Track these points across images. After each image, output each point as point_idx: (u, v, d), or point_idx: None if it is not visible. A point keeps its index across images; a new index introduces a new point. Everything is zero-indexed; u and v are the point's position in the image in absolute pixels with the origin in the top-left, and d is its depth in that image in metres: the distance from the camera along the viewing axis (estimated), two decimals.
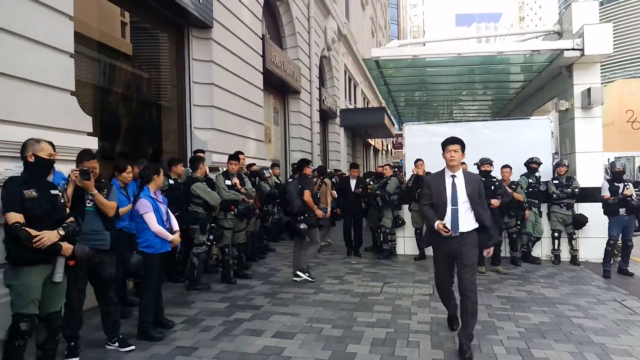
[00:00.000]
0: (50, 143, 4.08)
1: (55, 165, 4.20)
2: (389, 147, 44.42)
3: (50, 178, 3.68)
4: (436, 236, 4.16)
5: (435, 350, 4.15)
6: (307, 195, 6.82)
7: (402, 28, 70.82)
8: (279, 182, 10.29)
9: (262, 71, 11.38)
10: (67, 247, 3.49)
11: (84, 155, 4.11)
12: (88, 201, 3.99)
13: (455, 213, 4.07)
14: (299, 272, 6.86)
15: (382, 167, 10.18)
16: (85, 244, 3.78)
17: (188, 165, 7.56)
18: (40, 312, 3.47)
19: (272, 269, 7.79)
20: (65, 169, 4.93)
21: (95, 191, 3.92)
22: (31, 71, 4.74)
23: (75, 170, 3.92)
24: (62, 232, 3.43)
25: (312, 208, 6.89)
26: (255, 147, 10.83)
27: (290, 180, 8.12)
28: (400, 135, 41.60)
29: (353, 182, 9.26)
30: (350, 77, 24.47)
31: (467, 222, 4.09)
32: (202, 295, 6.05)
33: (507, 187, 7.70)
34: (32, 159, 3.50)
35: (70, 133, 5.24)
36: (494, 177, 7.47)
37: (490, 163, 7.45)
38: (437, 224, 4.06)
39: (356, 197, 9.24)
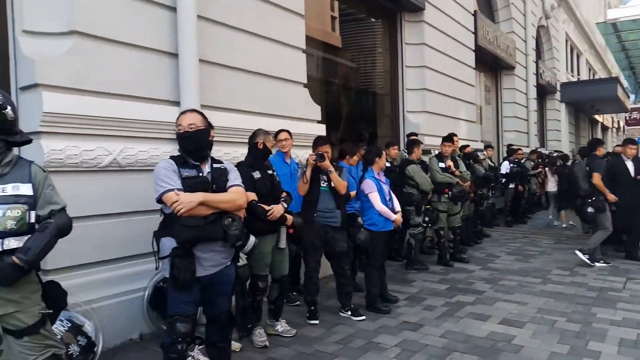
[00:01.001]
0: (287, 131, 4.64)
1: (291, 150, 4.78)
2: (620, 124, 38.13)
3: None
4: None
5: None
6: (596, 178, 6.53)
7: None
8: (493, 164, 9.78)
9: (473, 49, 10.90)
10: (289, 218, 3.90)
11: (319, 141, 4.54)
12: (323, 182, 4.39)
13: None
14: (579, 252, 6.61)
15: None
16: (299, 217, 4.15)
17: (403, 148, 7.75)
18: (273, 275, 4.03)
19: (490, 254, 7.48)
20: (300, 153, 5.57)
21: (332, 169, 4.29)
22: (272, 68, 5.41)
23: (312, 155, 4.35)
24: (285, 206, 3.84)
25: (602, 191, 6.53)
26: (467, 128, 10.47)
27: (577, 161, 7.64)
28: (637, 109, 35.38)
29: (630, 165, 6.90)
30: (572, 46, 21.68)
31: None
32: (420, 275, 6.16)
33: None
34: (261, 146, 3.96)
35: (303, 121, 5.85)
36: None
37: None
38: None
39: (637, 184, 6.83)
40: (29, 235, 2.24)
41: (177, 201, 2.55)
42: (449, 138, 6.96)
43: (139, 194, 4.03)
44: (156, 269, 2.96)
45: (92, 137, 3.74)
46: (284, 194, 3.99)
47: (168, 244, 2.69)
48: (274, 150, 4.32)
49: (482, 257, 7.32)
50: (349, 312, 4.54)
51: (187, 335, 2.73)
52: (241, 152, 4.55)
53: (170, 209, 2.64)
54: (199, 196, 2.62)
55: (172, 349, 2.69)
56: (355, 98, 8.90)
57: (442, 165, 6.79)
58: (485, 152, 9.68)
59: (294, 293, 5.08)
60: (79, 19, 3.68)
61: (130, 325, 3.92)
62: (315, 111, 6.12)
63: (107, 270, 3.84)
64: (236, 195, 2.81)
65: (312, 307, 4.44)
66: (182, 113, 2.90)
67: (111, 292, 3.82)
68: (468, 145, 8.82)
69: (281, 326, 4.10)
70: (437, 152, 7.32)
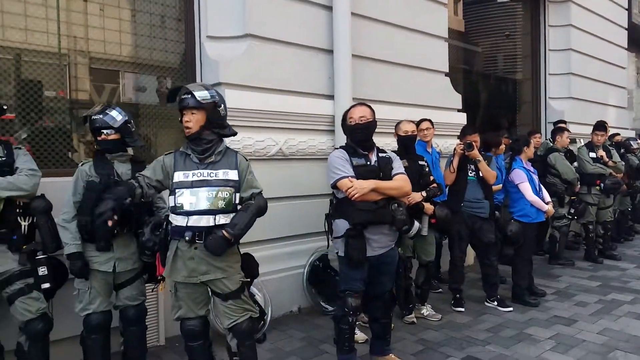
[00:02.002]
0: (429, 120, 4.70)
1: (433, 140, 4.83)
2: None
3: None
4: None
5: None
6: None
7: None
8: None
9: (626, 27, 9.88)
10: (428, 207, 3.94)
11: (467, 129, 4.56)
12: (470, 171, 4.41)
13: None
14: None
15: None
16: (445, 208, 4.17)
17: (548, 137, 7.38)
18: (420, 260, 4.21)
19: None
20: (441, 142, 5.62)
21: (481, 158, 4.30)
22: (416, 58, 5.50)
23: (460, 144, 4.39)
24: (423, 194, 3.88)
25: None
26: (616, 115, 9.58)
27: None
28: None
29: None
30: None
31: None
32: (566, 270, 5.89)
33: None
34: (407, 136, 4.03)
35: (444, 110, 5.86)
36: None
37: None
38: None
39: None
40: (234, 214, 2.64)
41: (351, 187, 2.81)
42: (601, 126, 6.47)
43: (299, 180, 4.44)
44: (327, 247, 3.25)
45: (262, 130, 4.18)
46: (434, 185, 4.09)
47: (342, 225, 2.96)
48: None
49: (635, 254, 6.75)
50: (495, 303, 4.53)
51: (358, 308, 3.00)
52: (385, 142, 4.72)
53: (343, 193, 2.91)
54: (371, 183, 2.86)
55: (344, 320, 2.98)
56: (492, 85, 8.62)
57: (592, 155, 6.36)
58: (638, 141, 8.78)
59: (436, 281, 5.17)
60: (251, 23, 4.12)
61: (291, 299, 4.35)
62: (456, 100, 6.09)
63: (274, 248, 4.29)
64: (403, 182, 3.01)
65: (457, 295, 4.52)
66: (353, 106, 3.15)
67: (276, 268, 4.26)
68: (618, 134, 8.10)
69: (427, 310, 4.25)
70: (583, 141, 6.85)
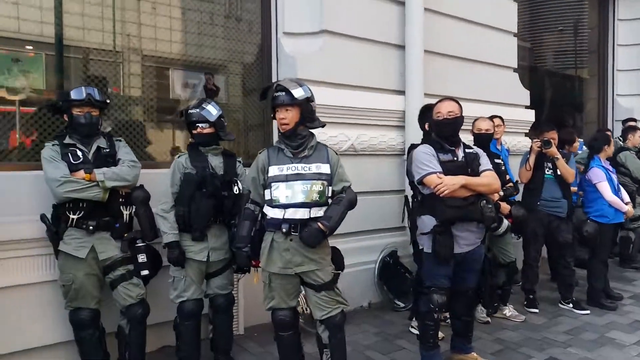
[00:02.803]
0: (500, 117, 4.60)
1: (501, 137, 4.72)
2: None
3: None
4: None
5: None
6: None
7: None
8: None
9: None
10: (504, 206, 3.83)
11: (544, 126, 4.46)
12: (547, 169, 4.30)
13: None
14: None
15: None
16: (522, 207, 4.07)
17: (617, 135, 7.09)
18: (500, 261, 4.08)
19: None
20: (509, 139, 5.50)
21: (559, 156, 4.18)
22: (485, 53, 5.40)
23: (537, 141, 4.28)
24: (500, 193, 3.74)
25: None
26: None
27: None
28: None
29: None
30: None
31: None
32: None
33: None
34: (482, 133, 3.92)
35: (512, 107, 5.73)
36: None
37: None
38: None
39: None
40: (326, 206, 2.68)
41: (441, 183, 2.78)
42: None
43: (369, 176, 4.44)
44: (410, 243, 3.24)
45: (336, 125, 4.20)
46: (510, 184, 4.01)
47: (428, 221, 2.94)
48: None
49: None
50: (571, 305, 4.40)
51: (443, 305, 2.98)
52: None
53: (429, 190, 2.90)
54: (461, 179, 2.83)
55: (429, 316, 2.97)
56: (555, 82, 8.36)
57: None
58: None
59: None
60: (327, 19, 4.16)
61: (362, 294, 4.38)
62: (524, 96, 5.96)
63: (345, 243, 4.27)
64: (492, 179, 2.96)
65: (531, 296, 4.42)
66: (440, 101, 3.10)
67: (348, 263, 4.25)
68: None
69: (509, 311, 4.17)
70: None
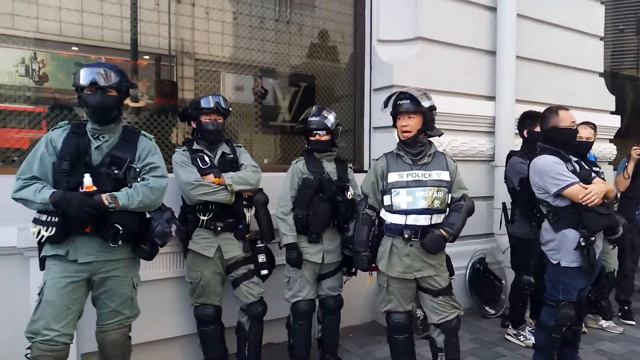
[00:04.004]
0: (593, 124, 4.48)
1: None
2: None
3: None
4: None
5: None
6: None
7: None
8: None
9: None
10: None
11: None
12: None
13: None
14: None
15: None
16: (621, 216, 3.95)
17: None
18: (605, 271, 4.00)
19: None
20: (594, 146, 5.35)
21: None
22: (571, 58, 5.29)
23: (637, 148, 4.18)
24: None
25: None
26: None
27: None
28: None
29: None
30: None
31: None
32: None
33: None
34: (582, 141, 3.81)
35: (597, 112, 5.56)
36: None
37: None
38: None
39: None
40: (443, 214, 2.72)
41: (590, 192, 2.71)
42: None
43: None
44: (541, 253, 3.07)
45: None
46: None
47: (571, 235, 2.80)
48: None
49: None
50: None
51: (573, 319, 2.90)
52: None
53: (565, 201, 2.80)
54: (603, 187, 2.78)
55: (557, 330, 2.90)
56: (634, 86, 8.06)
57: None
58: None
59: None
60: (422, 26, 4.21)
61: None
62: (610, 101, 5.79)
63: None
64: (611, 186, 2.93)
65: (627, 307, 4.31)
66: (558, 109, 2.98)
67: None
68: None
69: (605, 321, 4.08)
70: None
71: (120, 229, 2.21)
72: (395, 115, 2.80)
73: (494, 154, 4.68)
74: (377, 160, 2.88)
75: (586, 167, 2.97)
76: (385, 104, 2.87)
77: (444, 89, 4.35)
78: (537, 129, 3.78)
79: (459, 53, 4.46)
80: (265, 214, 3.06)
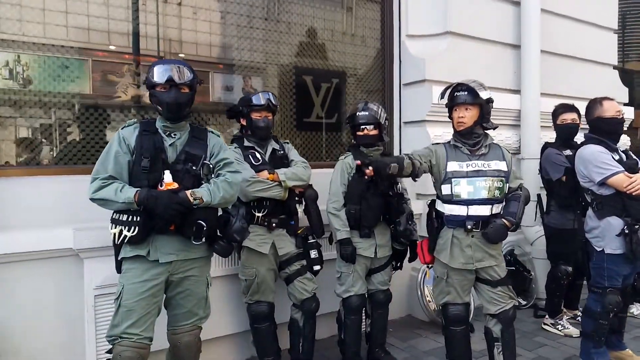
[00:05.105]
0: None
1: None
2: None
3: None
4: None
5: None
6: None
7: None
8: None
9: None
10: None
11: None
12: None
13: None
14: None
15: None
16: None
17: None
18: None
19: None
20: None
21: None
22: (589, 51, 5.36)
23: None
24: None
25: None
26: None
27: None
28: None
29: None
30: None
31: None
32: None
33: None
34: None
35: None
36: None
37: None
38: None
39: None
40: (502, 203, 2.75)
41: (635, 181, 2.77)
42: None
43: None
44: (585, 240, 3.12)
45: None
46: None
47: (616, 223, 2.88)
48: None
49: None
50: None
51: (619, 305, 2.97)
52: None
53: (610, 190, 2.87)
54: None
55: (604, 316, 2.96)
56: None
57: None
58: None
59: None
60: (452, 21, 4.23)
61: None
62: (624, 93, 5.88)
63: None
64: None
65: None
66: (603, 100, 3.07)
67: None
68: None
69: (637, 309, 4.15)
70: None
71: (205, 225, 2.19)
72: (452, 107, 2.81)
73: (519, 146, 4.72)
74: (435, 144, 2.89)
75: (634, 157, 3.03)
76: (442, 95, 2.88)
77: None
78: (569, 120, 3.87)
79: (485, 47, 4.49)
80: (316, 210, 3.05)
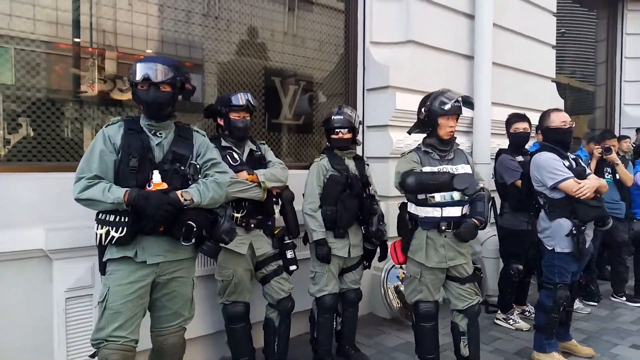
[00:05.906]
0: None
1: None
2: None
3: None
4: None
5: None
6: None
7: None
8: None
9: None
10: None
11: (606, 134, 4.87)
12: (607, 174, 4.69)
13: None
14: None
15: None
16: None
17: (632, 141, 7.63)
18: None
19: None
20: None
21: (619, 162, 4.57)
22: (530, 64, 5.77)
23: (598, 147, 4.67)
24: None
25: None
26: None
27: None
28: None
29: None
30: None
31: None
32: None
33: None
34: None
35: None
36: None
37: None
38: None
39: None
40: (468, 204, 2.93)
41: (582, 187, 3.05)
42: None
43: None
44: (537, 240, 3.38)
45: None
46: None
47: (565, 224, 3.15)
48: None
49: None
50: (624, 298, 4.82)
51: (568, 300, 3.26)
52: (497, 143, 4.98)
53: (561, 194, 3.14)
54: (595, 182, 3.13)
55: (555, 310, 3.23)
56: (566, 91, 8.88)
57: None
58: None
59: None
60: (413, 30, 4.41)
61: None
62: (560, 105, 6.35)
63: None
64: (604, 181, 3.28)
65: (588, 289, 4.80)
66: (553, 111, 3.37)
67: None
68: None
69: (576, 304, 4.51)
70: None
71: (195, 226, 2.17)
72: (441, 115, 2.92)
73: (471, 152, 4.99)
74: (406, 154, 3.01)
75: (583, 164, 3.33)
76: (451, 105, 2.92)
77: (430, 90, 4.57)
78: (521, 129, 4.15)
79: (443, 57, 4.73)
80: (292, 211, 3.09)
